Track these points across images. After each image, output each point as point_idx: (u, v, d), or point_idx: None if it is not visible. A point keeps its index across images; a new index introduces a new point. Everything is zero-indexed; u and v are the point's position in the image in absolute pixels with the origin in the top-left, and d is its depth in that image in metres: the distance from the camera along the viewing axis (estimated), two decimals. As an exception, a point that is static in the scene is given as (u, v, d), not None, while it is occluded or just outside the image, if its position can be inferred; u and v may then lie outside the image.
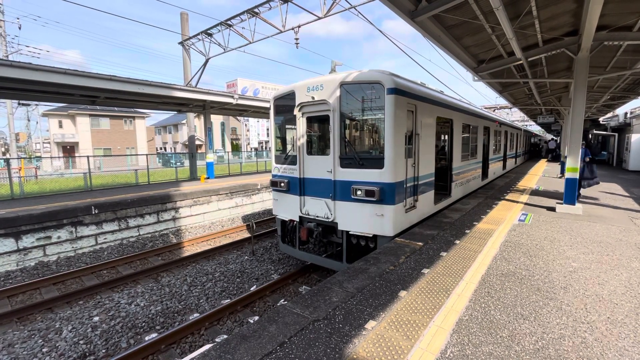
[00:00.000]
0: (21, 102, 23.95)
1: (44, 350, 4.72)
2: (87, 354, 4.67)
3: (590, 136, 29.13)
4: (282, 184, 6.80)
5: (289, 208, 6.83)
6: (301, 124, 6.40)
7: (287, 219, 6.99)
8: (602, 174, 15.76)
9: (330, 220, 6.07)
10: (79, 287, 6.78)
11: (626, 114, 21.75)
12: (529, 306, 3.28)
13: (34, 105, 29.58)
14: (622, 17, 6.72)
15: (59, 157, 33.08)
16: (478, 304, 3.33)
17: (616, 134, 22.93)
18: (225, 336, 4.99)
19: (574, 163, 7.33)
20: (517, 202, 8.63)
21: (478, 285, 3.75)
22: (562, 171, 14.91)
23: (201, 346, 4.82)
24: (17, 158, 20.82)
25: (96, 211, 9.17)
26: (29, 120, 31.84)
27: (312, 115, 6.35)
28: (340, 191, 5.90)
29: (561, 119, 19.98)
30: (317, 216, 6.29)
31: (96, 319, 5.55)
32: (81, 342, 4.91)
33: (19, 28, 24.91)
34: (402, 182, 5.70)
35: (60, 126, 37.60)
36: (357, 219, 5.77)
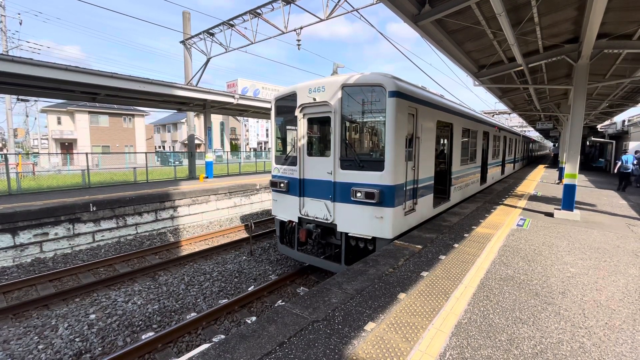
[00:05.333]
0: (20, 97, 23.87)
1: (40, 347, 4.69)
2: (83, 352, 4.64)
3: (588, 143, 29.34)
4: (282, 185, 6.80)
5: (288, 209, 6.83)
6: (302, 125, 6.41)
7: (286, 220, 6.99)
8: (600, 181, 15.85)
9: (329, 221, 6.08)
10: (76, 285, 6.74)
11: (624, 121, 21.91)
12: (527, 310, 3.29)
13: (33, 101, 29.50)
14: (622, 25, 6.79)
15: (56, 153, 32.95)
16: (477, 307, 3.34)
17: (614, 142, 23.08)
18: (222, 336, 4.97)
19: (572, 169, 7.37)
20: (516, 207, 8.67)
21: (477, 289, 3.76)
22: (560, 177, 15.00)
23: (198, 346, 4.80)
24: (15, 154, 20.72)
25: (94, 208, 9.13)
26: (27, 116, 31.77)
27: (313, 117, 6.37)
28: (340, 193, 5.91)
29: (560, 125, 20.10)
30: (317, 217, 6.29)
31: (93, 316, 5.52)
32: (77, 339, 4.87)
33: (20, 24, 24.88)
34: (401, 185, 5.71)
35: (59, 123, 37.46)
36: (356, 221, 5.78)
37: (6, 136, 24.65)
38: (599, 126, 27.04)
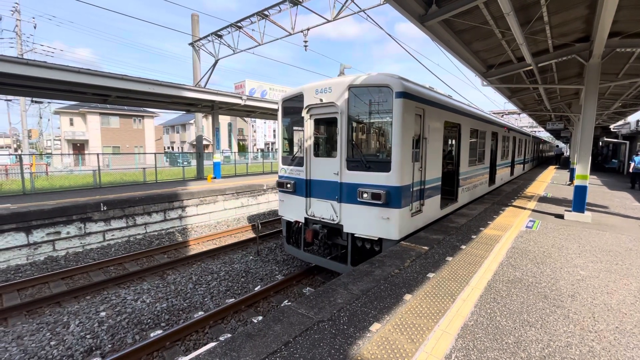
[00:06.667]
0: (34, 99, 24.47)
1: (52, 343, 4.80)
2: (94, 348, 4.74)
3: (600, 144, 28.76)
4: (289, 185, 6.83)
5: (294, 209, 6.86)
6: (309, 126, 6.44)
7: (292, 220, 7.02)
8: (612, 183, 15.53)
9: (335, 222, 6.08)
10: (87, 283, 6.88)
11: (638, 121, 21.39)
12: (535, 313, 3.25)
13: (46, 103, 30.20)
14: (635, 24, 6.65)
15: (69, 154, 33.64)
16: (484, 309, 3.31)
17: (627, 142, 22.57)
18: (229, 335, 5.02)
19: (583, 170, 7.24)
20: (525, 208, 8.55)
21: (484, 290, 3.73)
22: (571, 178, 14.74)
23: (205, 344, 4.85)
24: (29, 154, 21.24)
25: (105, 208, 9.31)
26: (41, 117, 32.51)
27: (319, 118, 6.39)
28: (347, 193, 5.91)
29: (571, 125, 19.75)
30: (323, 218, 6.31)
31: (103, 314, 5.63)
32: (88, 336, 4.98)
33: (34, 27, 25.48)
34: (408, 185, 5.69)
35: (71, 124, 38.28)
36: (362, 221, 5.78)
37: (21, 137, 25.28)
38: (612, 126, 26.48)
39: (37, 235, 8.14)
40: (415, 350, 2.65)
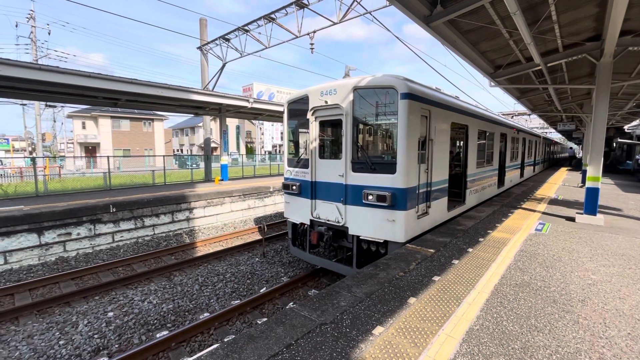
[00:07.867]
0: (48, 103, 25.09)
1: (61, 342, 4.88)
2: (101, 348, 4.80)
3: (614, 145, 28.08)
4: (294, 187, 6.84)
5: (300, 211, 6.86)
6: (314, 128, 6.44)
7: (298, 222, 7.02)
8: (626, 184, 15.13)
9: (341, 224, 6.06)
10: (96, 283, 6.99)
11: (653, 122, 20.84)
12: (543, 318, 3.17)
13: (60, 107, 30.93)
14: (648, 21, 6.49)
15: (81, 156, 34.36)
16: (490, 313, 3.25)
17: (642, 143, 21.97)
18: (233, 337, 5.03)
19: (595, 172, 7.07)
20: (535, 211, 8.38)
21: (490, 294, 3.66)
22: (583, 180, 14.40)
23: (210, 345, 4.87)
24: (43, 157, 21.77)
25: (114, 210, 9.46)
26: (54, 121, 33.33)
27: (325, 120, 6.39)
28: (352, 195, 5.89)
29: (583, 126, 19.32)
30: (328, 220, 6.29)
31: (110, 314, 5.71)
32: (96, 336, 5.05)
33: (49, 33, 26.21)
34: (414, 187, 5.64)
35: (84, 127, 39.12)
36: (368, 224, 5.74)
37: (35, 140, 25.94)
38: (626, 127, 25.84)
39: (49, 236, 8.31)
40: (419, 355, 2.61)
